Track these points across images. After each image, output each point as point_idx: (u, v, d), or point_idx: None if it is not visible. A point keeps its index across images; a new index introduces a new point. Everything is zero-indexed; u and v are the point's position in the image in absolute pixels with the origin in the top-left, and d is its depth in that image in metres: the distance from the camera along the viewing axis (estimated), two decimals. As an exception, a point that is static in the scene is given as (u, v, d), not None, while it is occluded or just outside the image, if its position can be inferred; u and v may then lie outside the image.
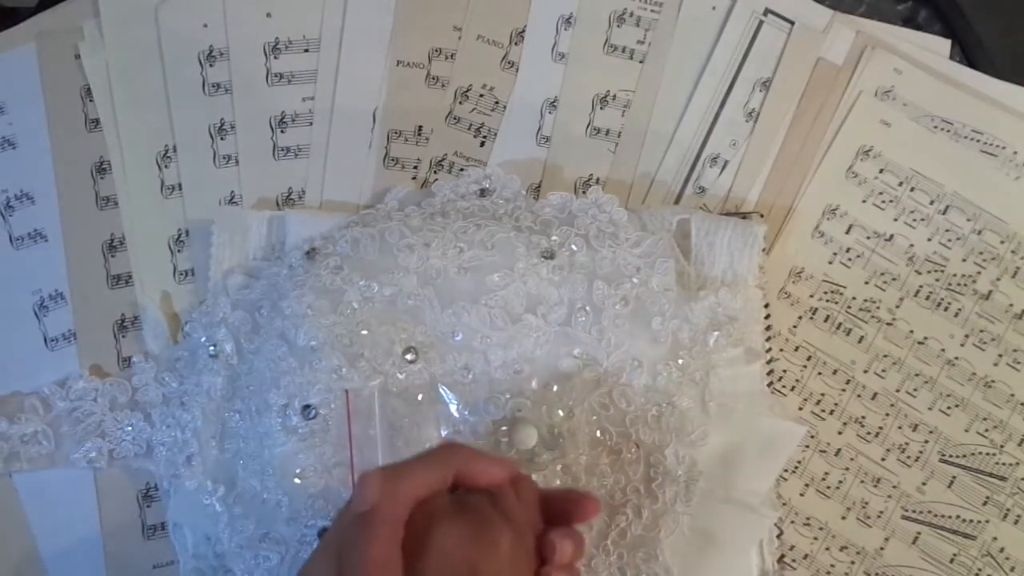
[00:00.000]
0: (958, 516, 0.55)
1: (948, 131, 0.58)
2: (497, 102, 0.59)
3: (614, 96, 0.59)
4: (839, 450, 0.55)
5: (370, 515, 0.36)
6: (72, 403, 0.53)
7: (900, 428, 0.55)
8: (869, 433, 0.55)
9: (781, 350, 0.56)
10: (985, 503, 0.55)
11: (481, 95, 0.59)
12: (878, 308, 0.57)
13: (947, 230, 0.57)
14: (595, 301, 0.51)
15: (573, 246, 0.52)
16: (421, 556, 0.36)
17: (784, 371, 0.56)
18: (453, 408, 0.50)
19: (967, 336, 0.56)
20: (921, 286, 0.57)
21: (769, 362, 0.55)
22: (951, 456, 0.55)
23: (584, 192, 0.57)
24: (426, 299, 0.51)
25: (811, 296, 0.57)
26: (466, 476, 0.39)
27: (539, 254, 0.52)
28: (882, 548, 0.54)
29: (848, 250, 0.57)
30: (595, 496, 0.42)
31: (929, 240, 0.57)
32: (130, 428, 0.53)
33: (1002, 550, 0.54)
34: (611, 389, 0.50)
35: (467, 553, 0.36)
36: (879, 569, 0.54)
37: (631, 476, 0.50)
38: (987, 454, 0.55)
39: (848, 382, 0.56)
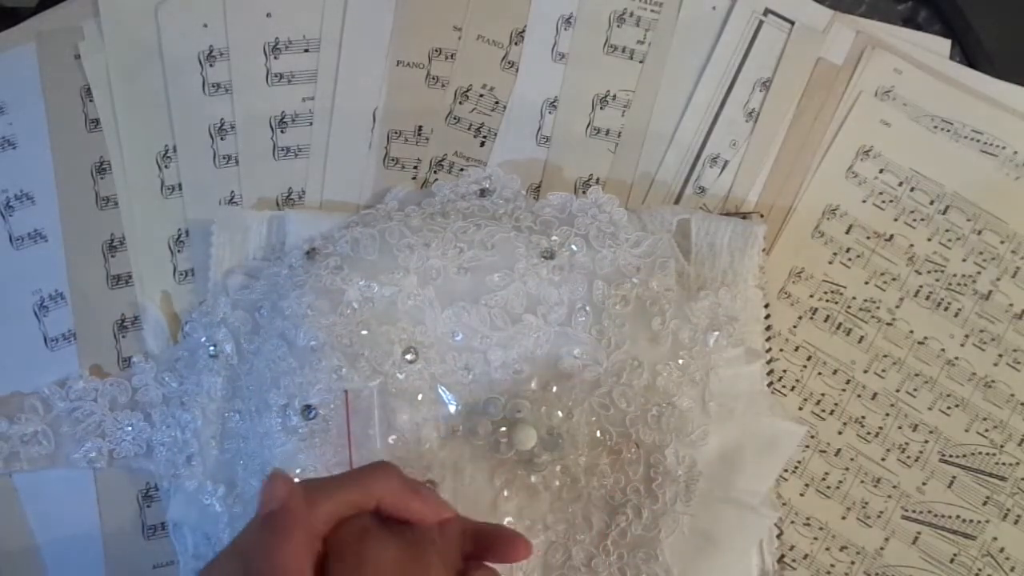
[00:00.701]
0: (958, 516, 0.55)
1: (948, 131, 0.58)
2: (497, 102, 0.59)
3: (614, 96, 0.59)
4: (839, 450, 0.55)
5: (281, 517, 0.34)
6: (72, 403, 0.53)
7: (900, 428, 0.55)
8: (869, 433, 0.55)
9: (781, 350, 0.56)
10: (985, 503, 0.55)
11: (481, 95, 0.59)
12: (878, 308, 0.57)
13: (947, 230, 0.57)
14: (595, 301, 0.51)
15: (573, 246, 0.52)
16: (353, 572, 0.34)
17: (784, 371, 0.56)
18: (452, 408, 0.50)
19: (967, 336, 0.56)
20: (921, 286, 0.57)
21: (769, 362, 0.55)
22: (951, 456, 0.55)
23: (584, 192, 0.57)
24: (426, 299, 0.51)
25: (811, 296, 0.57)
26: (391, 506, 0.37)
27: (539, 254, 0.52)
28: (882, 548, 0.54)
29: (848, 250, 0.57)
30: (527, 540, 0.40)
31: (929, 240, 0.57)
32: (130, 428, 0.53)
33: (1002, 550, 0.54)
34: (611, 389, 0.50)
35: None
36: (879, 569, 0.54)
37: (631, 476, 0.50)
38: (987, 454, 0.55)
39: (848, 382, 0.56)
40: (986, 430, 0.55)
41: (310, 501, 0.34)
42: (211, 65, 0.58)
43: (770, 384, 0.54)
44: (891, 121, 0.58)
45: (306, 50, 0.58)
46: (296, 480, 0.36)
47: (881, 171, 0.58)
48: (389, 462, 0.39)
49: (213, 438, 0.52)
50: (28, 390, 0.54)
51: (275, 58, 0.58)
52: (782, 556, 0.53)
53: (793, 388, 0.56)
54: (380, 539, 0.35)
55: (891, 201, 0.58)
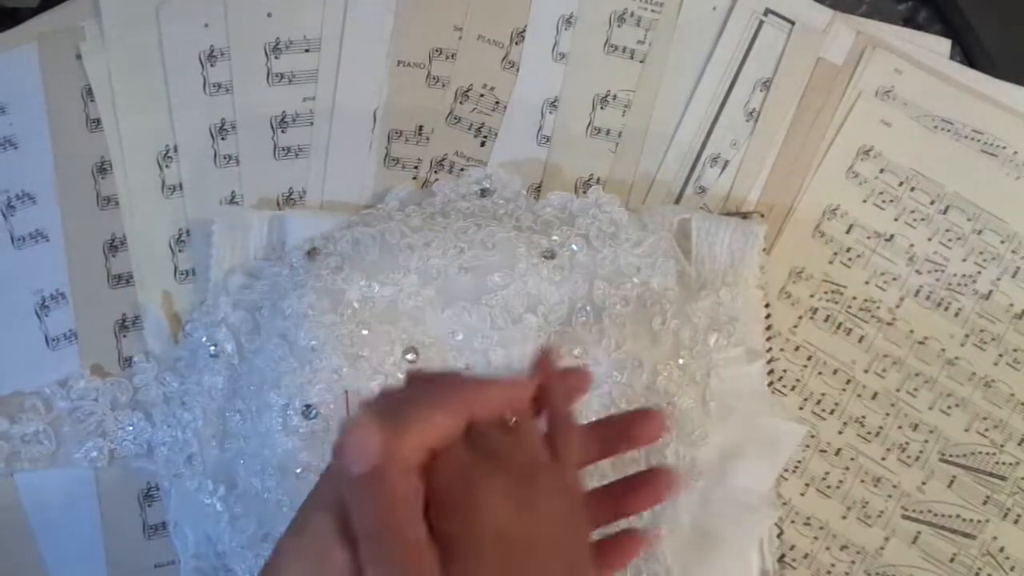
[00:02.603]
0: (958, 516, 0.55)
1: (948, 131, 0.58)
2: (497, 102, 0.59)
3: (614, 96, 0.59)
4: (839, 450, 0.55)
5: (382, 476, 0.29)
6: (73, 403, 0.53)
7: (900, 428, 0.55)
8: (869, 433, 0.55)
9: (781, 350, 0.56)
10: (985, 503, 0.55)
11: (481, 95, 0.59)
12: (878, 308, 0.57)
13: (947, 230, 0.57)
14: (595, 301, 0.51)
15: (574, 246, 0.52)
16: (469, 534, 0.29)
17: (784, 371, 0.56)
18: (453, 408, 0.50)
19: (967, 336, 0.56)
20: (921, 286, 0.57)
21: (769, 362, 0.55)
22: (951, 456, 0.55)
23: (584, 192, 0.57)
24: (426, 299, 0.51)
25: (811, 296, 0.57)
26: (479, 407, 0.32)
27: (540, 254, 0.52)
28: (882, 548, 0.54)
29: (848, 250, 0.57)
30: (656, 411, 0.36)
31: (929, 240, 0.57)
32: (131, 428, 0.53)
33: (1002, 550, 0.54)
34: (611, 389, 0.50)
35: (522, 526, 0.30)
36: (879, 569, 0.54)
37: (631, 476, 0.50)
38: (987, 454, 0.55)
39: (848, 382, 0.56)
40: (986, 430, 0.55)
41: (396, 446, 0.30)
42: (212, 65, 0.58)
43: (770, 384, 0.54)
44: (891, 121, 0.58)
45: (307, 50, 0.58)
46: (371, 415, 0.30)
47: (881, 171, 0.58)
48: (455, 370, 0.35)
49: (214, 438, 0.52)
50: (29, 390, 0.54)
51: (276, 58, 0.58)
52: (782, 556, 0.53)
53: (793, 388, 0.56)
54: (486, 476, 0.30)
55: (891, 201, 0.58)
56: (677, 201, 0.58)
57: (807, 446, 0.55)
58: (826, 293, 0.57)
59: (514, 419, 0.33)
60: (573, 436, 0.35)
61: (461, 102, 0.59)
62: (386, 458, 0.29)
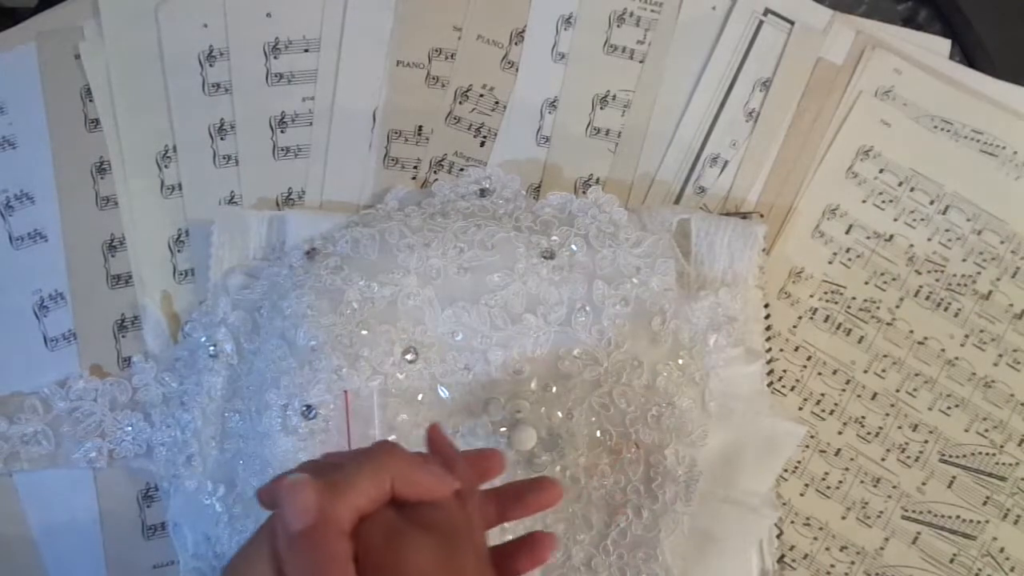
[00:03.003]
0: (958, 516, 0.55)
1: (948, 131, 0.58)
2: (497, 102, 0.59)
3: (614, 96, 0.59)
4: (839, 450, 0.55)
5: (321, 534, 0.31)
6: (72, 403, 0.53)
7: (900, 428, 0.55)
8: (869, 433, 0.55)
9: (781, 350, 0.56)
10: (985, 503, 0.55)
11: (481, 95, 0.59)
12: (878, 308, 0.57)
13: (947, 230, 0.57)
14: (595, 301, 0.51)
15: (573, 246, 0.52)
16: None
17: (784, 371, 0.56)
18: (453, 408, 0.50)
19: (967, 336, 0.56)
20: (921, 286, 0.57)
21: (769, 362, 0.55)
22: (951, 456, 0.55)
23: (584, 192, 0.57)
24: (426, 299, 0.51)
25: (811, 296, 0.57)
26: (404, 487, 0.35)
27: (539, 254, 0.52)
28: (882, 548, 0.54)
29: (848, 250, 0.57)
30: (554, 480, 0.40)
31: (929, 240, 0.57)
32: (130, 428, 0.53)
33: (1002, 550, 0.54)
34: (611, 389, 0.50)
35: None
36: (879, 569, 0.54)
37: (631, 476, 0.50)
38: (987, 454, 0.55)
39: (848, 382, 0.56)
40: (986, 430, 0.55)
41: (331, 507, 0.32)
42: (211, 65, 0.58)
43: (770, 384, 0.54)
44: (891, 121, 0.58)
45: (306, 50, 0.58)
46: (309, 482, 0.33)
47: (881, 171, 0.58)
48: (389, 440, 0.38)
49: (213, 438, 0.52)
50: (28, 390, 0.54)
51: (275, 58, 0.58)
52: (782, 556, 0.53)
53: (793, 388, 0.56)
54: (412, 538, 0.33)
55: (891, 201, 0.58)
56: (677, 201, 0.58)
57: (807, 446, 0.55)
58: (826, 293, 0.57)
59: None
60: (477, 503, 0.38)
61: (460, 102, 0.59)
62: (322, 519, 0.31)
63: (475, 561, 0.35)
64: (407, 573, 0.32)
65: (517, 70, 0.59)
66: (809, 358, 0.56)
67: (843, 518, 0.55)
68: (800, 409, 0.56)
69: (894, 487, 0.55)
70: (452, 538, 0.34)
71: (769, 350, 0.55)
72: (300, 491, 0.31)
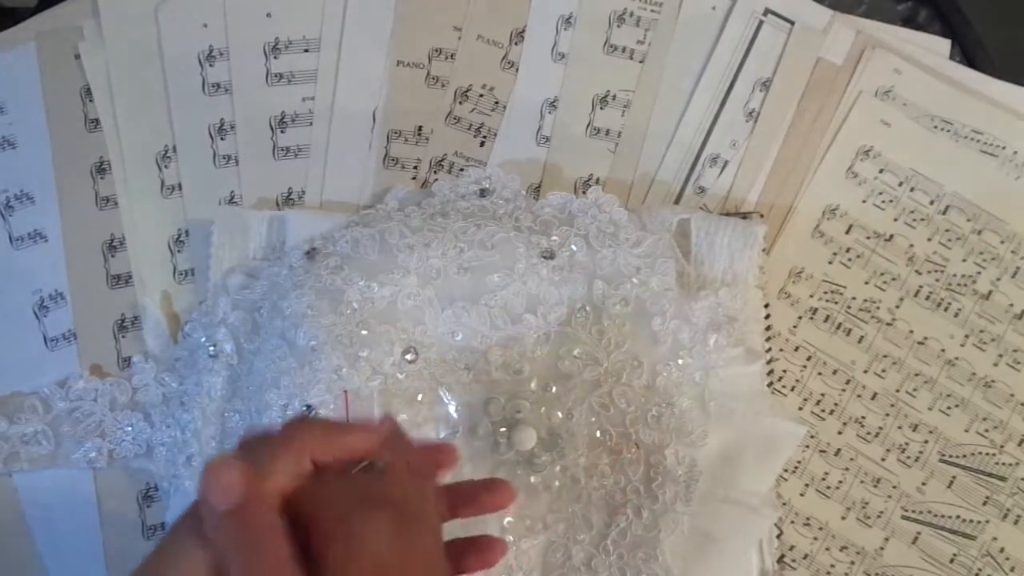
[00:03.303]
0: (958, 516, 0.55)
1: (948, 131, 0.58)
2: (497, 102, 0.59)
3: (614, 96, 0.59)
4: (839, 450, 0.55)
5: (251, 512, 0.31)
6: (72, 403, 0.53)
7: (900, 428, 0.55)
8: (869, 433, 0.55)
9: (781, 350, 0.56)
10: (985, 503, 0.55)
11: (481, 95, 0.59)
12: (878, 308, 0.57)
13: (947, 230, 0.57)
14: (595, 301, 0.51)
15: (573, 246, 0.52)
16: (348, 558, 0.32)
17: (784, 371, 0.56)
18: (452, 409, 0.50)
19: (967, 336, 0.56)
20: (921, 286, 0.57)
21: (769, 362, 0.55)
22: (951, 456, 0.55)
23: (584, 192, 0.57)
24: (426, 299, 0.51)
25: (811, 296, 0.57)
26: (326, 453, 0.34)
27: (539, 254, 0.52)
28: (882, 548, 0.54)
29: (848, 250, 0.57)
30: (506, 482, 0.40)
31: (929, 240, 0.57)
32: (130, 428, 0.53)
33: (1002, 550, 0.54)
34: (611, 389, 0.50)
35: (396, 553, 0.32)
36: (879, 569, 0.54)
37: (631, 476, 0.50)
38: (987, 454, 0.55)
39: (848, 382, 0.56)
40: (986, 430, 0.55)
41: (257, 490, 0.32)
42: (211, 65, 0.58)
43: (770, 384, 0.54)
44: (891, 121, 0.58)
45: (306, 50, 0.58)
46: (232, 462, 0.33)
47: (881, 171, 0.58)
48: (301, 413, 0.39)
49: (213, 438, 0.52)
50: (28, 390, 0.54)
51: (275, 58, 0.58)
52: (782, 556, 0.53)
53: (793, 388, 0.56)
54: (366, 513, 0.33)
55: (891, 201, 0.58)
56: (677, 201, 0.58)
57: (807, 446, 0.55)
58: (826, 293, 0.57)
59: (384, 463, 0.36)
60: (434, 489, 0.38)
61: (460, 102, 0.59)
62: (249, 497, 0.31)
63: (431, 543, 0.35)
64: (360, 548, 0.32)
65: (517, 70, 0.59)
66: (809, 358, 0.56)
67: (843, 518, 0.55)
68: (800, 409, 0.56)
69: (894, 487, 0.55)
70: (408, 515, 0.34)
71: (769, 350, 0.55)
72: (223, 471, 0.32)
